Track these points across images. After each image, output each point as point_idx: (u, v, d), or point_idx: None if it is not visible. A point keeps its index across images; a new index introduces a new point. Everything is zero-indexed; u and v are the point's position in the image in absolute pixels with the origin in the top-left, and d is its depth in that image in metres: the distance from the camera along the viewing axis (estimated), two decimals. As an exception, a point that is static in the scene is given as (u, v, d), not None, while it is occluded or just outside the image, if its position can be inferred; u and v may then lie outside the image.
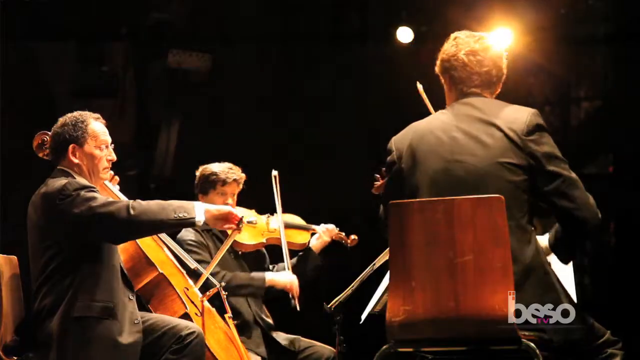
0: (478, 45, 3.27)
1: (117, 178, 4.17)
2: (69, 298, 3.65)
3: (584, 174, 7.84)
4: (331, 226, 5.10)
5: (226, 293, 4.39)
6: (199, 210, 3.70)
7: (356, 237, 5.16)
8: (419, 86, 3.77)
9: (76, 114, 3.92)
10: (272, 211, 4.97)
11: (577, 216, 3.07)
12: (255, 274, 4.84)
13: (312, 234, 5.07)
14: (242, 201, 5.01)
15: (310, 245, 5.05)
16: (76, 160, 3.86)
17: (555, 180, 3.09)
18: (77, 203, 3.66)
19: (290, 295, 4.80)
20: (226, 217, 3.79)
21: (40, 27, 7.00)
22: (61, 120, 3.91)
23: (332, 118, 7.50)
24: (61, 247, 3.71)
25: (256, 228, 4.92)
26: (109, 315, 3.67)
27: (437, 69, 3.37)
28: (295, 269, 4.93)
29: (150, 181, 7.57)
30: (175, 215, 3.64)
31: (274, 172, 4.93)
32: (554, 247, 3.22)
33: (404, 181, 3.23)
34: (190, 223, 3.71)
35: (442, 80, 3.36)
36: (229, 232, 3.92)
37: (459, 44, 3.29)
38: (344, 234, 5.16)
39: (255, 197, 5.07)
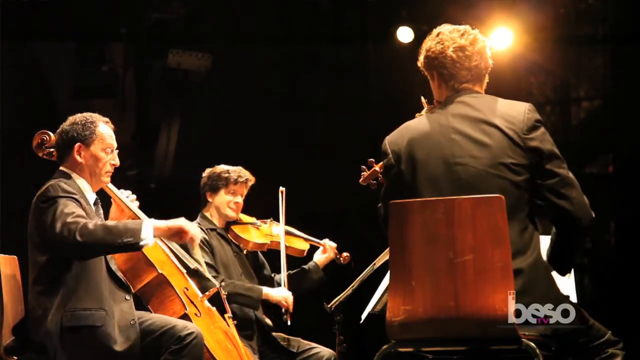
0: (464, 40, 3.24)
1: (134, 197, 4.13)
2: (58, 304, 3.65)
3: (584, 174, 7.85)
4: (334, 244, 5.15)
5: (226, 293, 4.40)
6: (147, 231, 3.63)
7: (348, 255, 5.17)
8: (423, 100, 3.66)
9: (86, 114, 3.92)
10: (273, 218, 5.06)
11: (573, 216, 3.09)
12: (253, 286, 4.86)
13: (317, 248, 5.14)
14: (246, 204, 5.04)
15: (316, 260, 5.12)
16: (80, 160, 3.85)
17: (554, 179, 3.10)
18: (48, 210, 3.64)
19: (283, 310, 4.84)
20: (179, 232, 3.74)
21: (40, 27, 7.00)
22: (71, 118, 3.91)
23: (331, 118, 7.50)
24: (45, 250, 3.70)
25: (260, 230, 4.96)
26: (101, 323, 3.66)
27: (420, 64, 3.32)
28: (297, 278, 5.03)
29: (150, 181, 7.57)
30: (120, 240, 3.59)
31: (282, 188, 4.99)
32: (552, 260, 3.22)
33: (404, 184, 3.21)
34: (137, 247, 3.66)
35: (428, 75, 3.32)
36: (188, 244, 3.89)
37: (444, 41, 3.24)
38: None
39: (256, 198, 5.08)
